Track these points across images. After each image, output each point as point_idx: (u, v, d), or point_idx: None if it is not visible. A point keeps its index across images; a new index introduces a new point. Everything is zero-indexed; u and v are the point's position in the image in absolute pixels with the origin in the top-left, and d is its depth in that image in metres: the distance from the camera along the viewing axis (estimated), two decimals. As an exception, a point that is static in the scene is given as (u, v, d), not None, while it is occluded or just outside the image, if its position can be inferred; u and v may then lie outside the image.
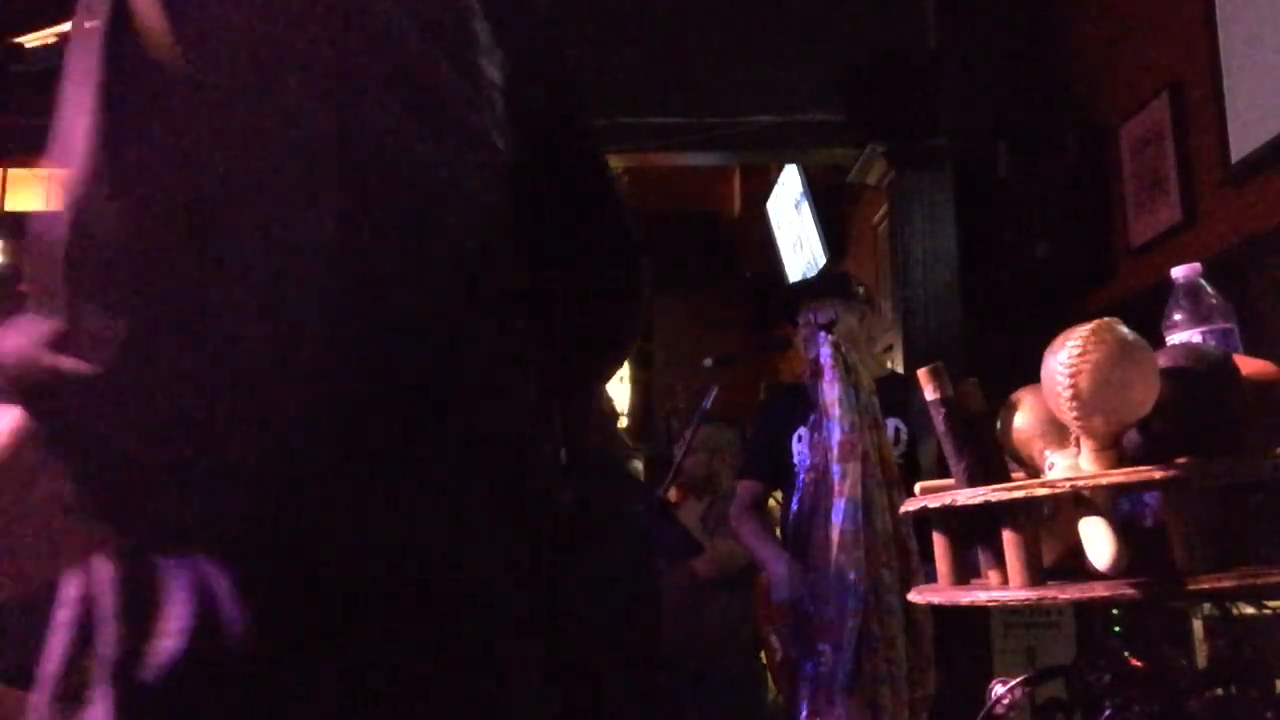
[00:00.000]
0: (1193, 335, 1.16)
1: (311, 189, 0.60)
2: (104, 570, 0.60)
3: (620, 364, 0.98)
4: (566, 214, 0.84)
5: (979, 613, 2.83)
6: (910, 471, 2.58)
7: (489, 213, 0.70)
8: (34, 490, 0.56)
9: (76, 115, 0.58)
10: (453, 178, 0.67)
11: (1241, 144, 2.80)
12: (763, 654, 3.40)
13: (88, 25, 0.59)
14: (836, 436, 2.43)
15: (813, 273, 5.92)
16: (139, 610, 0.60)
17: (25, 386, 0.56)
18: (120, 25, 0.57)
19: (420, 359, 0.64)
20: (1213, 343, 1.14)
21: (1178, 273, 1.22)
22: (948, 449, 1.03)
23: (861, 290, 3.02)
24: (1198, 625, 1.70)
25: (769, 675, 3.11)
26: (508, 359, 0.72)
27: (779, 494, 3.05)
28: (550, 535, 0.73)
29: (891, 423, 2.77)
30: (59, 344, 0.55)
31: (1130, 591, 0.88)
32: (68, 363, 0.54)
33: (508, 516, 0.69)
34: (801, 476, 2.70)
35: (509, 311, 0.72)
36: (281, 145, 0.59)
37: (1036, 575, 0.94)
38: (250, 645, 0.59)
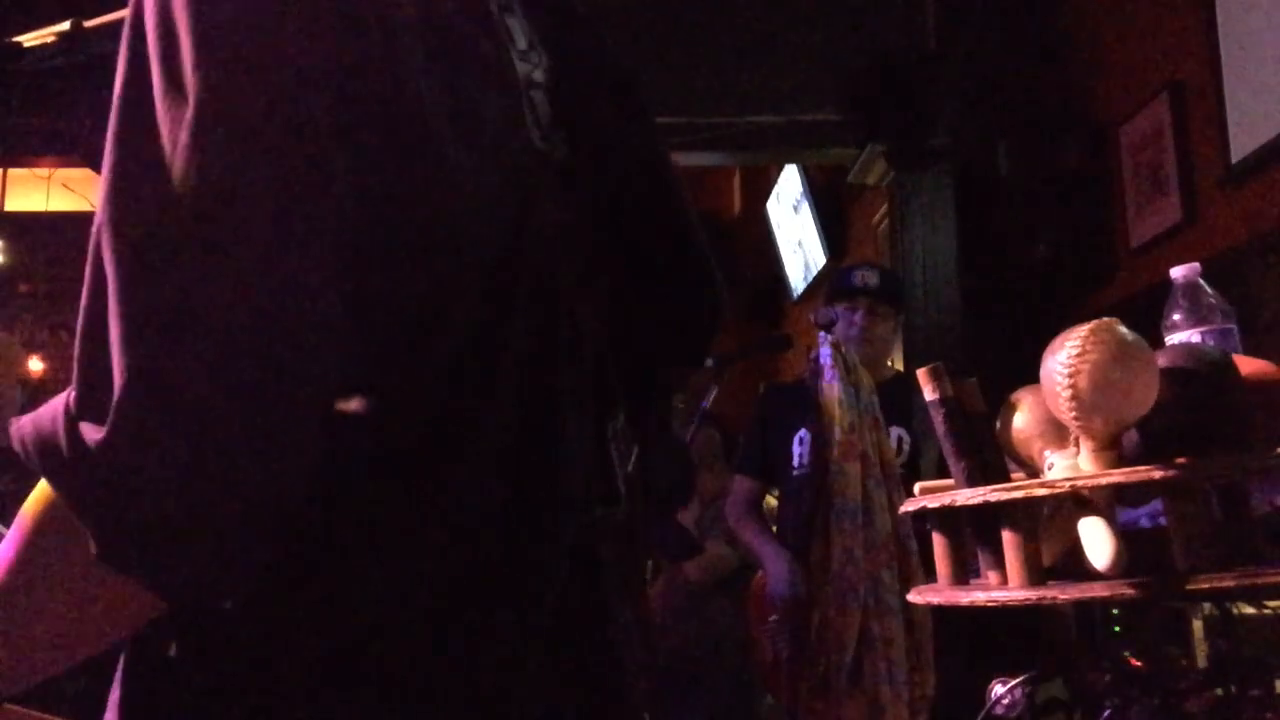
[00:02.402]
0: (1193, 335, 1.16)
1: (318, 186, 0.55)
2: None
3: (686, 377, 0.94)
4: (634, 223, 0.81)
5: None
6: (912, 482, 2.57)
7: (511, 206, 0.66)
8: (79, 554, 0.54)
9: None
10: (470, 170, 0.62)
11: (1241, 144, 2.80)
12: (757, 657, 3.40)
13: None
14: (836, 436, 2.44)
15: (813, 274, 5.92)
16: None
17: (42, 461, 0.54)
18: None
19: (436, 366, 0.61)
20: (1213, 343, 1.14)
21: (1178, 273, 1.22)
22: (947, 449, 1.03)
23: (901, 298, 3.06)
24: (1198, 625, 1.70)
25: (762, 678, 3.10)
26: (545, 366, 0.68)
27: (775, 493, 3.05)
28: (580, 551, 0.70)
29: (895, 431, 2.76)
30: (76, 409, 0.53)
31: (1130, 591, 0.88)
32: (86, 430, 0.52)
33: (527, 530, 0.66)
34: (801, 476, 2.70)
35: (547, 315, 0.68)
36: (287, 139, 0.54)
37: (1036, 575, 0.94)
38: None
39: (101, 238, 0.54)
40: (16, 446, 0.56)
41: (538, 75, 0.73)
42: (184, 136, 0.53)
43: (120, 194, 0.54)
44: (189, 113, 0.53)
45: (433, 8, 0.64)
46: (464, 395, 0.62)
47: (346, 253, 0.55)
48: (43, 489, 0.58)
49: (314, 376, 0.54)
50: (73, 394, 0.54)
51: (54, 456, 0.54)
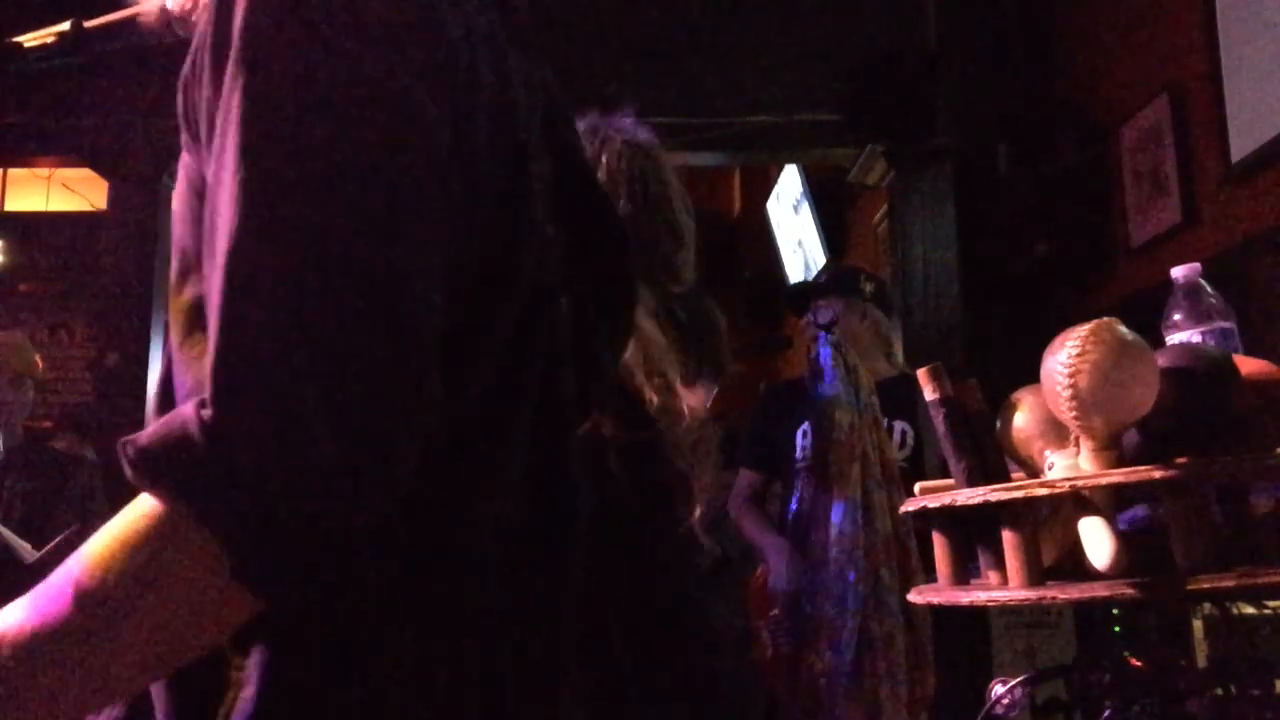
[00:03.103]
0: (1193, 335, 1.16)
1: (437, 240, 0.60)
2: None
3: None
4: (588, 233, 0.87)
5: (979, 613, 2.83)
6: (915, 476, 2.57)
7: (545, 231, 0.74)
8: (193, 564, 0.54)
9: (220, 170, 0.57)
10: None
11: (1241, 144, 2.80)
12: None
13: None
14: (836, 437, 2.43)
15: (813, 274, 5.91)
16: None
17: (177, 477, 0.54)
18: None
19: (490, 372, 0.68)
20: (1213, 343, 1.14)
21: (1178, 273, 1.22)
22: (947, 449, 1.03)
23: (870, 287, 2.92)
24: (1198, 625, 1.70)
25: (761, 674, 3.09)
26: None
27: (777, 492, 3.04)
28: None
29: (899, 425, 2.75)
30: (221, 430, 0.53)
31: (1130, 591, 0.88)
32: (240, 452, 0.53)
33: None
34: (802, 474, 2.70)
35: (554, 319, 0.75)
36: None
37: (1036, 575, 0.94)
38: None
39: (251, 260, 0.55)
40: (136, 460, 0.54)
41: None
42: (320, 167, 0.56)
43: (273, 220, 0.55)
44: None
45: (488, 55, 0.68)
46: (507, 397, 0.69)
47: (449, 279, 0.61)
48: (129, 517, 0.56)
49: (437, 403, 0.59)
50: (209, 413, 0.53)
51: (199, 477, 0.53)
